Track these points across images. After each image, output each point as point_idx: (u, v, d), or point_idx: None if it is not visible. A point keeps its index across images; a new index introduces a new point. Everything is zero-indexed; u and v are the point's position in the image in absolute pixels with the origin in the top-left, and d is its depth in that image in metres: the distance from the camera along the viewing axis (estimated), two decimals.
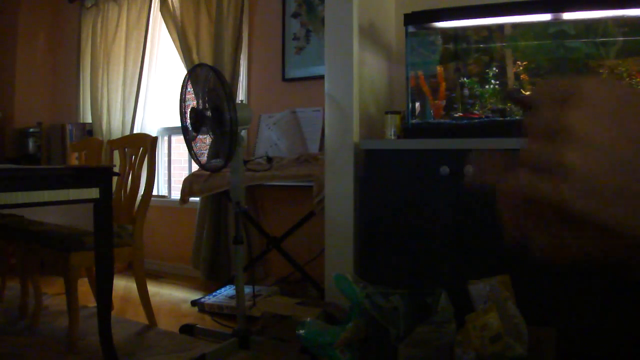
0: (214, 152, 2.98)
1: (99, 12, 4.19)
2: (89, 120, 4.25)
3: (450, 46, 2.25)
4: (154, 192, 3.26)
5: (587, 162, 0.28)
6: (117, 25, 4.07)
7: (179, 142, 3.94)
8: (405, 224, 2.10)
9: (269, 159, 2.86)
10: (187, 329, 2.42)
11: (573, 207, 0.28)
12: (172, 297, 3.18)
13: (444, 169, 1.97)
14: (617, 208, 0.28)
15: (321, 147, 2.99)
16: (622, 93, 0.30)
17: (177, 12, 3.61)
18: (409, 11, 2.19)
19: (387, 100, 2.58)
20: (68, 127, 4.11)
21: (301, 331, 1.83)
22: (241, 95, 3.44)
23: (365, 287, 1.82)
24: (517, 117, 2.04)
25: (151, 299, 2.60)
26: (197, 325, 2.43)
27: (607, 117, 0.29)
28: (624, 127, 0.29)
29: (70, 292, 2.20)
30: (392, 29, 2.65)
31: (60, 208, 2.46)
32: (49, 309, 2.77)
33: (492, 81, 2.10)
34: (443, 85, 2.18)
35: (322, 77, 2.42)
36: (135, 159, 2.64)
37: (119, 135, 3.85)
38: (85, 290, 2.79)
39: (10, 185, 1.66)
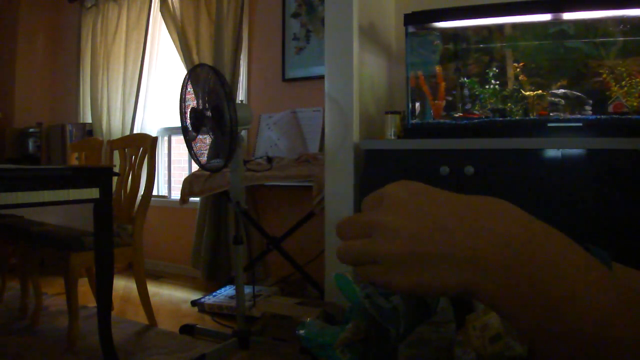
0: (214, 152, 2.98)
1: (99, 12, 4.19)
2: (89, 120, 4.25)
3: (450, 46, 2.25)
4: (154, 192, 3.26)
5: (393, 244, 0.36)
6: (117, 26, 4.07)
7: (179, 142, 3.94)
8: None
9: (269, 159, 2.86)
10: (187, 329, 2.42)
11: (393, 285, 0.37)
12: (172, 297, 3.18)
13: (444, 169, 1.97)
14: (418, 274, 0.36)
15: (321, 147, 2.99)
16: (413, 188, 0.40)
17: (177, 12, 3.62)
18: (409, 11, 2.19)
19: (387, 100, 2.58)
20: (68, 127, 4.11)
21: (301, 331, 1.83)
22: (241, 95, 3.44)
23: (365, 287, 1.82)
24: (517, 118, 2.04)
25: (151, 299, 2.60)
26: (197, 326, 2.43)
27: (403, 207, 0.38)
28: (418, 210, 0.37)
29: (70, 292, 2.20)
30: (392, 29, 2.65)
31: (60, 208, 2.46)
32: (49, 309, 2.77)
33: (492, 81, 2.10)
34: (443, 85, 2.18)
35: (322, 77, 2.42)
36: (135, 159, 2.64)
37: (119, 135, 3.85)
38: (85, 290, 2.79)
39: (11, 185, 1.66)
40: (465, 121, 2.10)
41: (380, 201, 0.40)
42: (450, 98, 2.19)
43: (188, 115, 2.12)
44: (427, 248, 0.36)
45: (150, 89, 3.95)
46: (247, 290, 2.40)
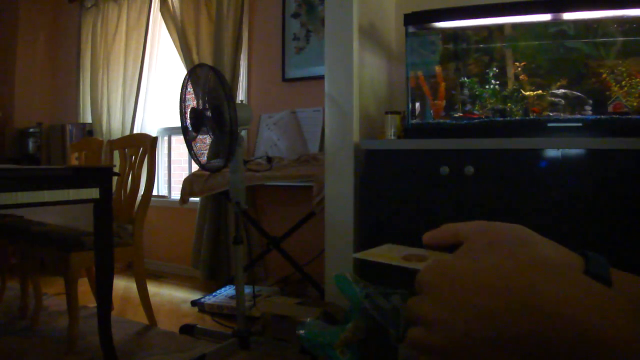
0: (214, 152, 2.99)
1: (99, 12, 4.19)
2: (89, 120, 4.25)
3: (450, 46, 2.25)
4: (154, 192, 3.26)
5: (438, 337, 0.34)
6: (117, 25, 4.07)
7: (179, 142, 3.94)
8: (405, 224, 2.10)
9: (269, 159, 2.86)
10: (187, 329, 2.42)
11: None
12: (172, 297, 3.18)
13: (444, 169, 1.97)
14: None
15: (321, 147, 2.99)
16: (451, 273, 0.36)
17: (177, 12, 3.62)
18: (409, 11, 2.19)
19: (387, 100, 2.58)
20: (68, 127, 4.11)
21: (301, 331, 1.83)
22: (241, 95, 3.44)
23: (365, 287, 1.82)
24: (517, 118, 2.04)
25: (151, 299, 2.60)
26: (197, 325, 2.43)
27: (442, 296, 0.35)
28: (463, 300, 0.34)
29: (70, 292, 2.20)
30: (392, 29, 2.65)
31: (60, 208, 2.46)
32: (49, 309, 2.77)
33: (492, 81, 2.10)
34: (443, 85, 2.18)
35: (322, 77, 2.42)
36: (135, 159, 2.64)
37: (119, 135, 3.85)
38: (85, 290, 2.79)
39: (10, 185, 1.66)
40: (465, 121, 2.10)
41: (419, 290, 0.37)
42: (451, 97, 2.19)
43: (188, 115, 2.12)
44: (482, 334, 0.33)
45: (150, 89, 3.95)
46: (247, 290, 2.40)
